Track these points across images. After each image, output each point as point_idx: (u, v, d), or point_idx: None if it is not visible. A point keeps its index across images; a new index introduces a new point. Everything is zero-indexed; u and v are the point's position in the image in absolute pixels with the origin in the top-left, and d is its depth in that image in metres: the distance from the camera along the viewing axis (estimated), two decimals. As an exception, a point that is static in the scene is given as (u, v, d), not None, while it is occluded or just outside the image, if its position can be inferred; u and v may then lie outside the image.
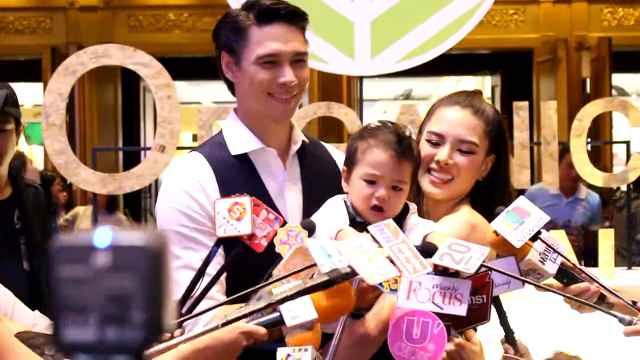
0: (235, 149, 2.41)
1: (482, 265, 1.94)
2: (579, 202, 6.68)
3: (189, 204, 2.30)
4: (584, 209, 6.71)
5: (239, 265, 2.15)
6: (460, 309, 1.91)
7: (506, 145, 2.48)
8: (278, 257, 2.02)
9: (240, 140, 2.42)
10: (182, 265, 2.24)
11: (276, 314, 1.86)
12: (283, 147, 2.46)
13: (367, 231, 1.99)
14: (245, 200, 2.08)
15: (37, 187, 3.78)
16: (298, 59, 2.38)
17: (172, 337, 1.78)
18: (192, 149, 2.54)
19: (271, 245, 2.06)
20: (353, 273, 1.85)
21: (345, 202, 2.29)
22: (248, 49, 2.36)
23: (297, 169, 2.47)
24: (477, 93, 2.51)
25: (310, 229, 2.08)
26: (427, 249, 1.99)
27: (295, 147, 2.47)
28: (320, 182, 2.45)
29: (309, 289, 1.84)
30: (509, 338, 2.09)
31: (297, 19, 2.39)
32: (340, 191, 2.34)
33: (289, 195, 2.42)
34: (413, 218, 2.31)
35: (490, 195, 2.43)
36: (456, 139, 2.38)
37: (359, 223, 2.21)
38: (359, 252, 1.87)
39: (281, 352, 1.88)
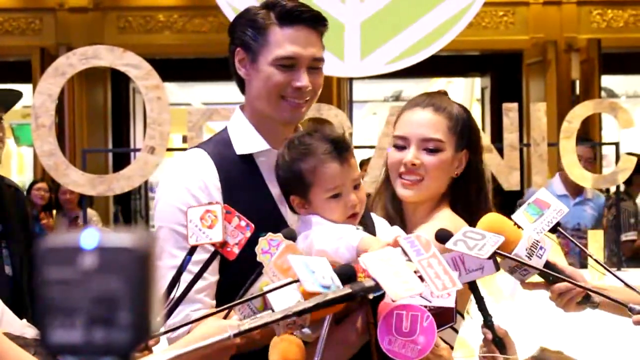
0: (240, 148, 2.37)
1: (495, 253, 1.99)
2: (587, 203, 6.65)
3: (189, 202, 2.23)
4: (592, 209, 6.67)
5: (231, 267, 2.14)
6: (448, 301, 1.92)
7: (476, 140, 2.48)
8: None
9: (246, 139, 2.38)
10: (175, 265, 2.20)
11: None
12: None
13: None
14: (217, 208, 2.04)
15: (17, 188, 3.68)
16: (315, 66, 2.36)
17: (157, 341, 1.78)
18: (196, 145, 2.49)
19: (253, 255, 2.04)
20: (377, 287, 1.81)
21: None
22: (266, 48, 2.32)
23: None
24: (441, 93, 2.52)
25: (292, 238, 2.05)
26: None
27: None
28: None
29: (330, 302, 1.79)
30: (488, 322, 2.09)
31: (318, 24, 2.37)
32: None
33: None
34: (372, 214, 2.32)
35: (467, 192, 2.44)
36: (419, 138, 2.38)
37: None
38: (386, 264, 1.83)
39: None
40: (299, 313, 1.77)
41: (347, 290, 1.80)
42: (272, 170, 2.34)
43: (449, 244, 1.99)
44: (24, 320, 2.31)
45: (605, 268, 2.40)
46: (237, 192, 2.30)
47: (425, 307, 1.90)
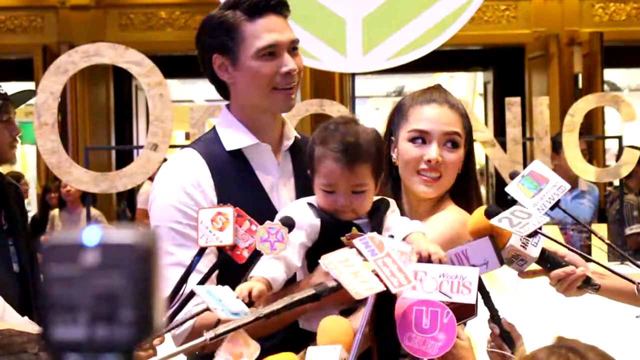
0: (229, 144, 2.41)
1: (535, 232, 2.05)
2: (583, 196, 6.65)
3: (184, 201, 2.30)
4: (589, 202, 6.67)
5: (229, 263, 2.14)
6: (469, 297, 1.91)
7: (472, 136, 2.51)
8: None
9: (234, 136, 2.42)
10: (174, 262, 2.23)
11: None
12: (276, 143, 2.46)
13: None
14: (229, 211, 2.05)
15: (17, 186, 3.69)
16: (293, 47, 2.40)
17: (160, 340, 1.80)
18: (186, 145, 2.53)
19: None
20: (339, 287, 1.86)
21: (312, 204, 2.27)
22: (245, 44, 2.35)
23: (289, 165, 2.47)
24: (440, 87, 2.52)
25: (290, 226, 2.07)
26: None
27: (288, 143, 2.47)
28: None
29: (296, 303, 1.86)
30: (494, 317, 2.09)
31: (284, 9, 2.41)
32: None
33: (283, 191, 2.42)
34: (393, 216, 2.30)
35: (467, 186, 2.46)
36: (442, 133, 2.38)
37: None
38: (345, 265, 1.88)
39: (311, 351, 1.90)
40: (269, 315, 1.83)
41: (312, 291, 1.88)
42: (262, 164, 2.40)
43: (494, 220, 2.06)
44: (25, 318, 2.32)
45: (622, 253, 2.40)
46: (230, 187, 2.34)
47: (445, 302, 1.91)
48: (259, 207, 2.26)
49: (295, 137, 2.50)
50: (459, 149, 2.40)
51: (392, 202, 2.33)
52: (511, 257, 2.19)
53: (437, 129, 2.38)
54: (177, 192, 2.31)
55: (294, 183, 2.45)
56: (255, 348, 1.89)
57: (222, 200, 2.27)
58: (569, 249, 2.37)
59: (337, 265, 1.87)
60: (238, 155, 2.41)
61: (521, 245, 2.16)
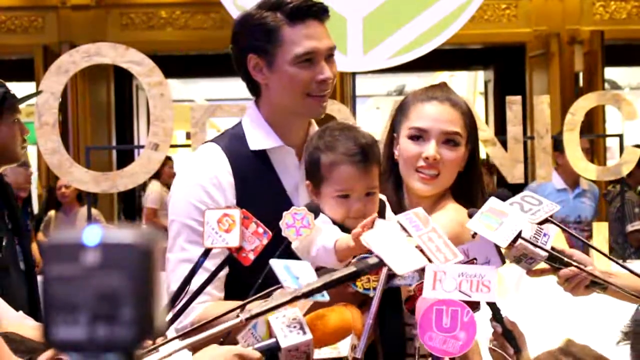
0: (254, 144, 2.40)
1: (546, 220, 2.07)
2: (585, 195, 6.66)
3: (202, 198, 2.30)
4: (590, 200, 6.69)
5: (236, 261, 2.14)
6: (488, 296, 1.92)
7: (476, 133, 2.50)
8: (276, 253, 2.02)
9: (260, 136, 2.40)
10: (184, 258, 2.24)
11: (272, 340, 1.86)
12: (300, 145, 2.43)
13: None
14: (235, 213, 2.04)
15: (10, 184, 3.73)
16: (330, 54, 2.39)
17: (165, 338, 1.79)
18: (210, 140, 2.51)
19: (268, 243, 2.04)
20: (381, 263, 1.84)
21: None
22: (283, 49, 2.33)
23: None
24: (444, 85, 2.52)
25: (316, 211, 2.08)
26: None
27: None
28: None
29: (337, 280, 1.82)
30: (496, 316, 2.09)
31: (325, 16, 2.40)
32: None
33: (304, 193, 2.40)
34: (390, 215, 2.30)
35: (469, 185, 2.45)
36: (441, 132, 2.38)
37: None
38: (387, 241, 1.86)
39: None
40: (308, 293, 1.78)
41: (352, 268, 1.84)
42: (284, 166, 2.39)
43: (504, 205, 2.06)
44: (20, 312, 2.33)
45: (615, 261, 2.39)
46: (250, 187, 2.33)
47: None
48: (280, 209, 2.26)
49: None
50: (458, 147, 2.39)
51: (384, 199, 2.33)
52: (520, 255, 2.19)
53: (436, 127, 2.38)
54: (195, 189, 2.31)
55: None
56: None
57: (242, 199, 2.28)
58: (590, 246, 2.37)
59: (379, 241, 1.86)
60: (262, 155, 2.40)
61: (530, 243, 2.16)
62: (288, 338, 1.82)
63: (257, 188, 2.34)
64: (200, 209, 2.27)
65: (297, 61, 2.33)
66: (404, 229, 1.93)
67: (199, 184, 2.32)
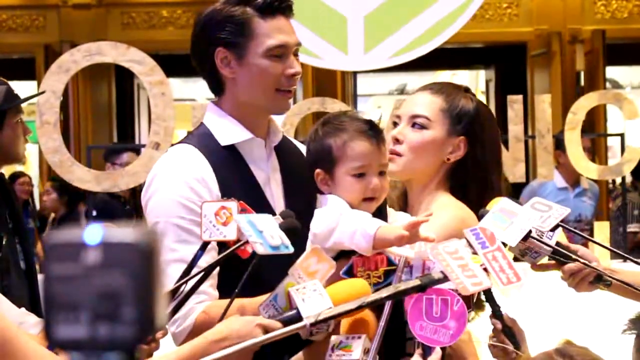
0: (224, 139, 2.41)
1: (558, 225, 2.08)
2: (585, 193, 6.67)
3: (188, 196, 2.28)
4: (590, 199, 6.69)
5: (230, 258, 2.14)
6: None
7: (480, 131, 2.46)
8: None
9: (228, 131, 2.42)
10: (176, 258, 2.21)
11: (294, 311, 1.87)
12: (264, 138, 2.47)
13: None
14: (232, 205, 2.04)
15: (9, 183, 3.74)
16: (296, 51, 2.43)
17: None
18: (178, 142, 2.53)
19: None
20: (445, 279, 1.85)
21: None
22: (255, 42, 2.36)
23: (276, 160, 2.48)
24: (450, 83, 2.55)
25: (289, 217, 2.08)
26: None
27: (277, 139, 2.49)
28: (296, 174, 2.45)
29: (402, 292, 1.85)
30: (496, 313, 2.09)
31: (291, 12, 2.44)
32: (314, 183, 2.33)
33: (273, 186, 2.44)
34: (389, 209, 2.34)
35: (465, 180, 2.43)
36: (409, 115, 2.43)
37: None
38: (453, 257, 1.86)
39: (335, 338, 1.91)
40: (372, 303, 1.83)
41: (417, 282, 1.87)
42: (255, 157, 2.42)
43: (514, 205, 2.07)
44: (23, 309, 2.32)
45: (621, 254, 2.40)
46: (227, 181, 2.35)
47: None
48: (255, 202, 2.26)
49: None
50: (425, 129, 2.40)
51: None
52: (524, 249, 2.19)
53: (406, 110, 2.46)
54: (180, 187, 2.30)
55: (280, 178, 2.47)
56: (330, 266, 1.92)
57: (224, 193, 2.28)
58: (593, 241, 2.37)
59: (446, 256, 1.86)
60: (232, 149, 2.41)
61: (535, 238, 2.16)
62: (309, 308, 1.84)
63: (233, 182, 2.35)
64: (187, 206, 2.27)
65: (269, 54, 2.35)
66: (470, 244, 1.93)
67: (183, 181, 2.30)
